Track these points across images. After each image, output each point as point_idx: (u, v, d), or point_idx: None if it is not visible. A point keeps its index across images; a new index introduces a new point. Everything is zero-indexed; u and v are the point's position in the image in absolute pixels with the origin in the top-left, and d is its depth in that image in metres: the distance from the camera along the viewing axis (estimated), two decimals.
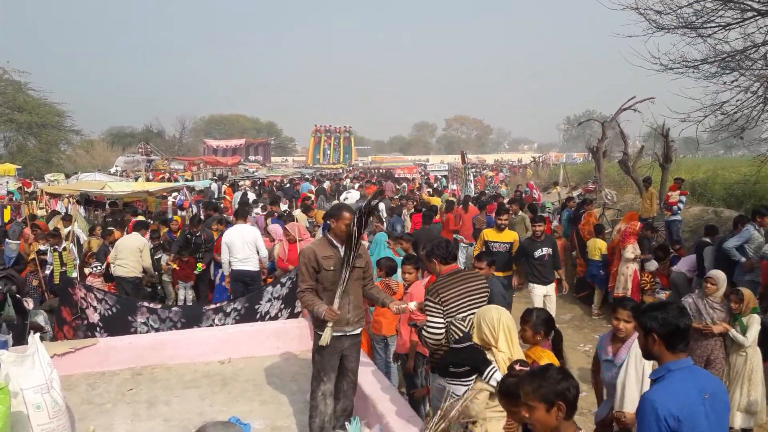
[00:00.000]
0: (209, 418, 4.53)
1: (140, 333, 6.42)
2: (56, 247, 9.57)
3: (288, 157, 66.44)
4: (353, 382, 4.54)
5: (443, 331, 3.91)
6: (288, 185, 26.19)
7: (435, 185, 26.90)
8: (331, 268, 4.31)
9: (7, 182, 22.35)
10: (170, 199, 18.75)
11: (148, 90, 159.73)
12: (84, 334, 6.39)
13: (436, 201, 16.27)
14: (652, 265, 9.17)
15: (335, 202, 15.77)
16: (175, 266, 9.94)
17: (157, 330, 6.49)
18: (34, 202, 16.91)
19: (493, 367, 3.19)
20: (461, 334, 3.67)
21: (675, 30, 10.34)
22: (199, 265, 9.80)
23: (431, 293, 4.07)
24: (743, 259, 7.64)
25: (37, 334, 4.36)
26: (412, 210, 13.91)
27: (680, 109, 10.91)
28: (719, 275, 5.86)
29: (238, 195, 20.06)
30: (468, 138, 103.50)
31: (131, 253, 9.00)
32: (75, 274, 9.38)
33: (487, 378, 3.14)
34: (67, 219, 11.70)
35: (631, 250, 9.12)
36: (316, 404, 4.33)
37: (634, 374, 3.91)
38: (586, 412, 6.23)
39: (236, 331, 6.37)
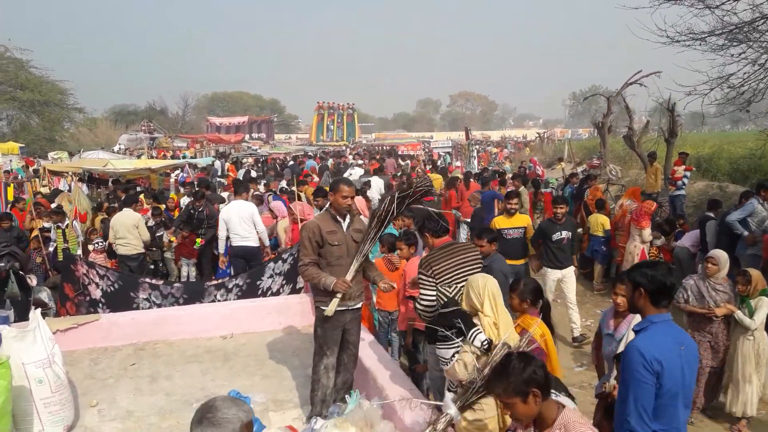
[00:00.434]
0: (211, 393, 4.55)
1: (142, 309, 6.46)
2: (60, 224, 9.63)
3: (291, 134, 66.15)
4: (354, 356, 4.57)
5: (436, 303, 3.93)
6: (292, 162, 26.14)
7: (438, 162, 26.72)
8: (336, 243, 4.29)
9: (11, 160, 22.41)
10: (173, 177, 18.80)
11: (151, 68, 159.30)
12: (86, 310, 6.44)
13: (437, 178, 16.01)
14: (658, 240, 9.11)
15: None
16: (174, 239, 9.95)
17: (159, 306, 6.53)
18: (37, 180, 16.98)
19: (477, 328, 3.24)
20: (446, 299, 3.70)
21: (682, 1, 10.14)
22: (198, 240, 9.80)
23: (423, 266, 4.08)
24: (746, 233, 7.60)
25: (38, 310, 4.39)
26: None
27: (686, 83, 10.80)
28: (720, 255, 5.46)
29: (242, 172, 20.09)
30: (473, 114, 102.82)
31: (128, 231, 8.99)
32: (79, 252, 9.44)
33: (472, 339, 3.19)
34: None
35: (649, 233, 8.88)
36: (318, 377, 4.37)
37: None
38: (586, 385, 6.26)
39: (238, 307, 6.41)
